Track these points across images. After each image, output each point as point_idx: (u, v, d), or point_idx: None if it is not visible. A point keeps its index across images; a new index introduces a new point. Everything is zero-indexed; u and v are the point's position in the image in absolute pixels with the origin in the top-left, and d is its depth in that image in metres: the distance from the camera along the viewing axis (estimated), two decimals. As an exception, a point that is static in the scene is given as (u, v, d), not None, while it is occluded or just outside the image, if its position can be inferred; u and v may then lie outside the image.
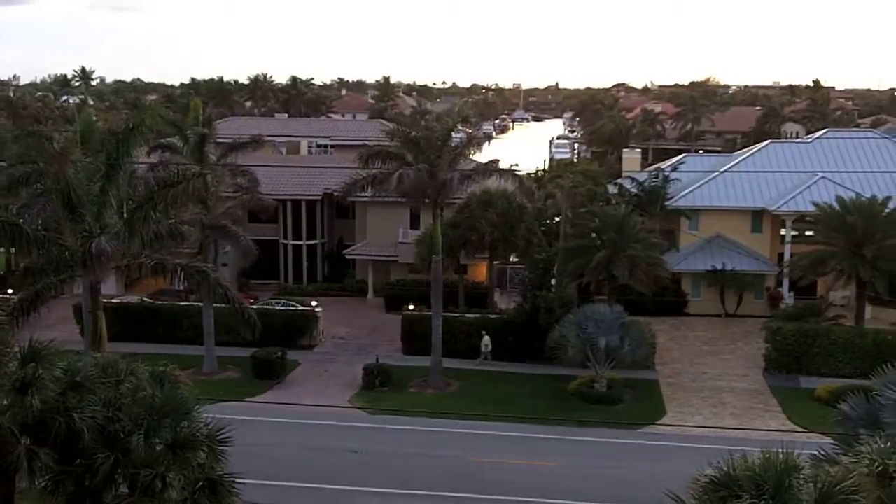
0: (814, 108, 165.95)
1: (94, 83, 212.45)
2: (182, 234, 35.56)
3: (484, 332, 53.44)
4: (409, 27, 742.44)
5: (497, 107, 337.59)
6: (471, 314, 56.02)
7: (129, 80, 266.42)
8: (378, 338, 58.18)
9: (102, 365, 22.95)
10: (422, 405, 46.52)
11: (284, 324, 55.56)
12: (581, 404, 46.70)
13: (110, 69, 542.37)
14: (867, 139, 74.04)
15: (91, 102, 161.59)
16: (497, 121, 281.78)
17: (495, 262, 63.35)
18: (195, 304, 54.02)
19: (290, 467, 38.17)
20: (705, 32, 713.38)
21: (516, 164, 52.67)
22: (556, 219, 62.08)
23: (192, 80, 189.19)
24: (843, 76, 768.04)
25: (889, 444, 17.47)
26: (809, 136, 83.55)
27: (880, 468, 16.66)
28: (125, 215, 32.91)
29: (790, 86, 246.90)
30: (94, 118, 61.00)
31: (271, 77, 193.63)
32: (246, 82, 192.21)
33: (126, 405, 21.99)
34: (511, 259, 65.06)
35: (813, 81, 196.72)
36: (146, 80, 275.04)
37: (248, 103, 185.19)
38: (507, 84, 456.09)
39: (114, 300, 55.61)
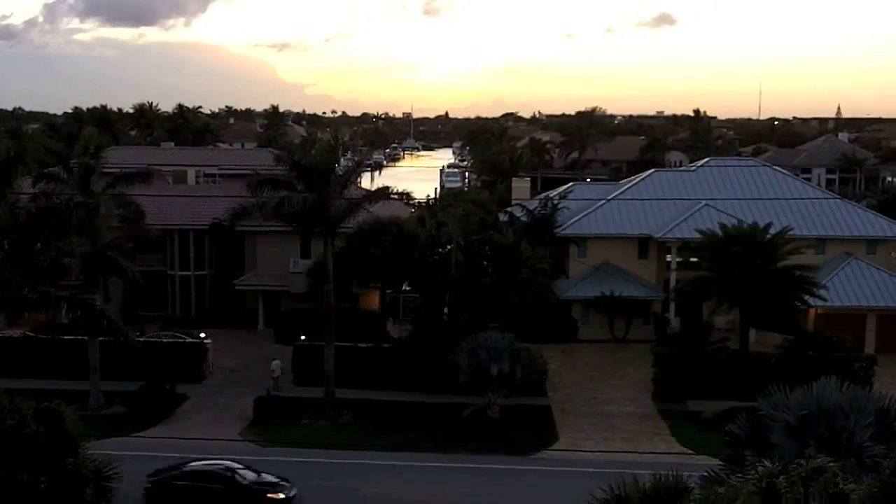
0: (696, 137, 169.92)
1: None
2: (64, 267, 34.69)
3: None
4: (300, 58, 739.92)
5: (387, 136, 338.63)
6: (363, 343, 55.76)
7: (10, 108, 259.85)
8: (269, 369, 57.38)
9: (-16, 402, 22.26)
10: (315, 437, 46.13)
11: (172, 356, 54.52)
12: (474, 431, 46.84)
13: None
14: (748, 167, 76.27)
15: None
16: (388, 150, 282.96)
17: (388, 291, 63.22)
18: (80, 337, 52.71)
19: (180, 503, 37.37)
20: (592, 64, 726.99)
21: (408, 193, 52.81)
22: (449, 247, 62.28)
23: (76, 108, 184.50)
24: (723, 107, 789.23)
25: (776, 462, 17.87)
26: (693, 164, 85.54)
27: (767, 485, 17.02)
28: (6, 248, 32.03)
29: (673, 116, 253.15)
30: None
31: (157, 105, 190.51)
32: (131, 111, 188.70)
33: (10, 443, 21.35)
34: (404, 288, 64.99)
35: (694, 111, 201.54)
36: (28, 108, 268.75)
37: (134, 132, 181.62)
38: (397, 113, 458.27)
39: (-5, 335, 53.94)
